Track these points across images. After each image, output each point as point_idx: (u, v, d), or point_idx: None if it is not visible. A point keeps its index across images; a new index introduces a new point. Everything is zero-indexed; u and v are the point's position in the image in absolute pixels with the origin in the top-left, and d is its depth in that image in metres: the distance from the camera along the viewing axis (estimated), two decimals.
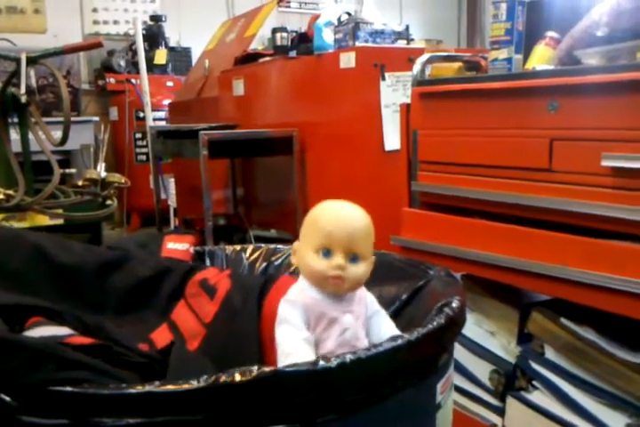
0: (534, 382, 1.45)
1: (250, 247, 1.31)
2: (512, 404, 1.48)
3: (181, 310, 1.14)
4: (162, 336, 1.10)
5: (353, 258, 0.92)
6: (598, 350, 1.28)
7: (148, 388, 0.61)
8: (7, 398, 0.63)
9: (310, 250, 0.93)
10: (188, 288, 1.16)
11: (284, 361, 0.86)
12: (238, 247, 1.31)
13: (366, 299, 0.99)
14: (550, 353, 1.40)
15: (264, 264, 1.28)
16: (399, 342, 0.71)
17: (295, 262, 0.98)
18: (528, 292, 1.55)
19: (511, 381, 1.50)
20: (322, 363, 0.65)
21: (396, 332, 0.97)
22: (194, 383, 0.62)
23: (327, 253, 0.91)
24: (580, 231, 1.25)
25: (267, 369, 0.63)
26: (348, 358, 0.67)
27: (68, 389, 0.62)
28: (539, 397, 1.43)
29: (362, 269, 0.93)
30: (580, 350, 1.31)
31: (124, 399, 0.62)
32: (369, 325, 0.98)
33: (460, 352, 1.56)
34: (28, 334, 0.88)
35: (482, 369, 1.56)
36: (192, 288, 1.15)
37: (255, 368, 0.63)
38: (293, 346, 0.88)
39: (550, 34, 1.46)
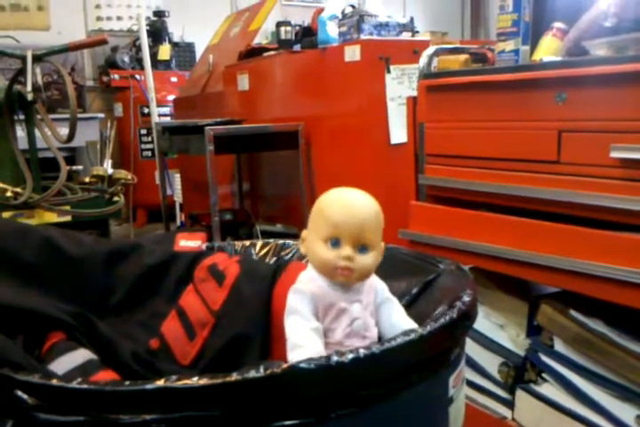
0: (544, 375, 1.45)
1: (259, 243, 1.32)
2: (521, 396, 1.48)
3: (190, 296, 1.15)
4: (172, 328, 1.11)
5: (362, 248, 0.92)
6: (608, 342, 1.28)
7: (164, 384, 0.62)
8: (24, 396, 0.64)
9: (319, 240, 0.93)
10: (197, 273, 1.17)
11: (294, 353, 0.87)
12: (247, 243, 1.32)
13: (376, 287, 0.99)
14: (559, 345, 1.40)
15: (274, 259, 1.29)
16: (412, 336, 0.71)
17: (303, 251, 0.98)
18: (537, 284, 1.55)
19: (520, 373, 1.50)
20: (336, 358, 0.65)
21: (407, 320, 0.97)
22: (210, 379, 0.62)
23: (336, 243, 0.91)
24: (588, 223, 1.25)
25: (282, 365, 0.64)
26: (362, 353, 0.67)
27: (85, 386, 0.63)
28: (548, 389, 1.43)
29: (371, 259, 0.93)
30: (590, 342, 1.31)
31: (141, 396, 0.62)
32: (379, 312, 0.98)
33: (469, 345, 1.55)
34: (55, 366, 0.89)
35: (491, 362, 1.56)
36: (201, 273, 1.16)
37: (270, 364, 0.64)
38: (302, 338, 0.88)
39: (557, 25, 1.45)
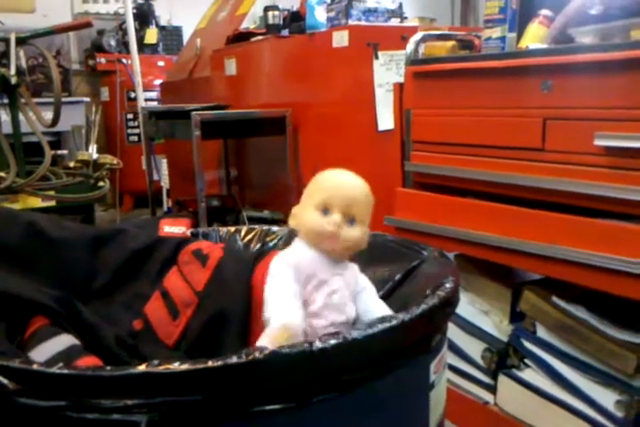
0: (526, 360, 1.47)
1: (244, 229, 1.31)
2: (504, 382, 1.50)
3: (173, 277, 1.15)
4: (155, 308, 1.11)
5: (350, 220, 0.96)
6: (589, 328, 1.29)
7: (146, 369, 0.62)
8: (5, 381, 0.63)
9: (310, 208, 0.96)
10: (181, 256, 1.17)
11: (271, 317, 0.87)
12: (232, 229, 1.31)
13: (357, 272, 1.01)
14: (542, 331, 1.41)
15: (258, 245, 1.29)
16: (393, 322, 0.72)
17: (293, 224, 1.01)
18: (520, 271, 1.56)
19: (503, 359, 1.51)
20: (317, 344, 0.66)
21: (384, 309, 0.98)
22: (192, 365, 0.62)
23: (326, 211, 0.95)
24: (572, 211, 1.26)
25: (264, 350, 0.64)
26: (343, 338, 0.67)
27: (66, 371, 0.62)
28: (530, 374, 1.45)
29: (358, 232, 0.96)
30: (571, 328, 1.33)
31: (123, 381, 0.62)
32: (357, 301, 0.99)
33: (452, 331, 1.58)
34: (37, 352, 0.89)
35: (474, 347, 1.57)
36: (185, 256, 1.17)
37: (252, 349, 0.64)
38: (279, 303, 0.89)
39: (544, 12, 1.45)
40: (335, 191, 0.96)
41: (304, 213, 0.98)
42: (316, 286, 0.94)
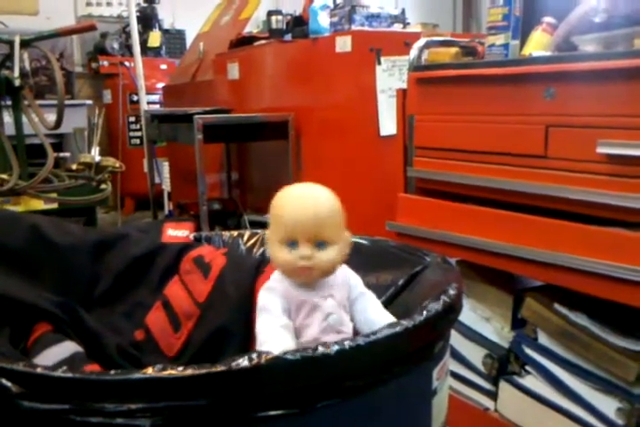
0: (527, 367, 1.47)
1: (247, 233, 1.31)
2: (505, 388, 1.50)
3: (175, 287, 1.15)
4: (157, 318, 1.11)
5: (320, 244, 0.91)
6: (590, 335, 1.29)
7: (150, 374, 0.62)
8: (8, 384, 0.64)
9: (276, 242, 0.92)
10: (183, 264, 1.17)
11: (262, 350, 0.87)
12: (235, 233, 1.31)
13: (349, 282, 0.99)
14: (543, 338, 1.41)
15: (261, 250, 1.29)
16: (397, 329, 0.72)
17: (268, 253, 0.98)
18: (522, 277, 1.56)
19: (504, 365, 1.51)
20: (321, 349, 0.66)
21: (384, 313, 0.97)
22: (196, 369, 0.63)
23: (292, 244, 0.91)
24: (574, 218, 1.26)
25: (267, 356, 0.64)
26: (347, 344, 0.67)
27: (70, 374, 0.63)
28: (531, 381, 1.45)
29: (331, 254, 0.92)
30: (573, 335, 1.33)
31: (126, 385, 0.62)
32: (354, 307, 0.98)
33: (454, 337, 1.57)
34: (41, 358, 0.89)
35: (475, 354, 1.57)
36: (186, 264, 1.16)
37: (255, 355, 0.64)
38: (269, 334, 0.88)
39: (547, 19, 1.45)
40: (297, 222, 0.90)
41: (272, 248, 0.93)
42: (308, 311, 0.92)
